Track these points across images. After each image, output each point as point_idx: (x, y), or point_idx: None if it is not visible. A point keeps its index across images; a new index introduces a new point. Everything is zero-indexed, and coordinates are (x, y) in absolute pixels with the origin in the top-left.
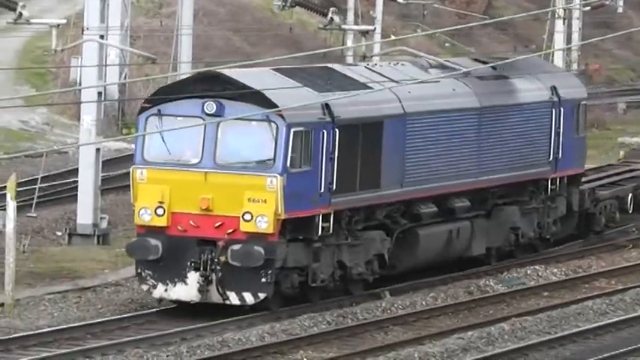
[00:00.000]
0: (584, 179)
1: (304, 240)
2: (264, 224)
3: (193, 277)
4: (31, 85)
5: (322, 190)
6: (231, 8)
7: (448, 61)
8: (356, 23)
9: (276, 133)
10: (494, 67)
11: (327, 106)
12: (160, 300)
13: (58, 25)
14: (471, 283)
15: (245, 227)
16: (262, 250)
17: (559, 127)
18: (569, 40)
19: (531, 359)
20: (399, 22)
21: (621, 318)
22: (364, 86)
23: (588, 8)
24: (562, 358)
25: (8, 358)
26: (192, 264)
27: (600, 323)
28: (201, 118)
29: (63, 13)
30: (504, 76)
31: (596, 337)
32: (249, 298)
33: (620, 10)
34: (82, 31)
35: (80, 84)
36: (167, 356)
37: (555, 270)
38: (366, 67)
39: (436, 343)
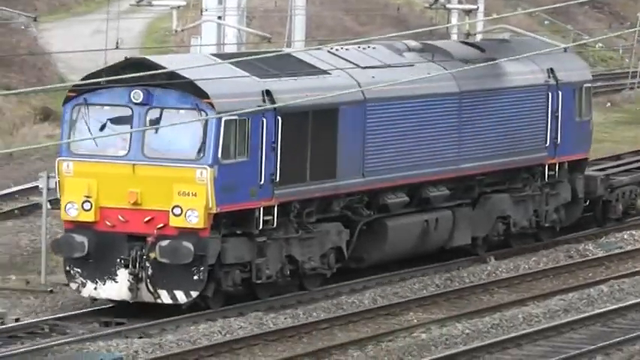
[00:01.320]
0: (603, 165)
1: (245, 234)
2: (195, 219)
3: (123, 275)
4: None
5: (262, 181)
6: None
7: (433, 44)
8: (460, 2)
9: (206, 123)
10: (482, 50)
11: (267, 93)
12: (94, 299)
13: (179, 7)
14: (571, 247)
15: (175, 222)
16: (192, 246)
17: (557, 111)
18: None
19: (629, 319)
20: (500, 1)
21: None
22: (318, 71)
23: None
24: None
25: None
26: (122, 261)
27: None
28: (128, 107)
29: None
30: (492, 59)
31: None
32: (180, 296)
33: None
34: (201, 12)
35: None
36: (285, 318)
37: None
38: (328, 51)
39: (539, 305)
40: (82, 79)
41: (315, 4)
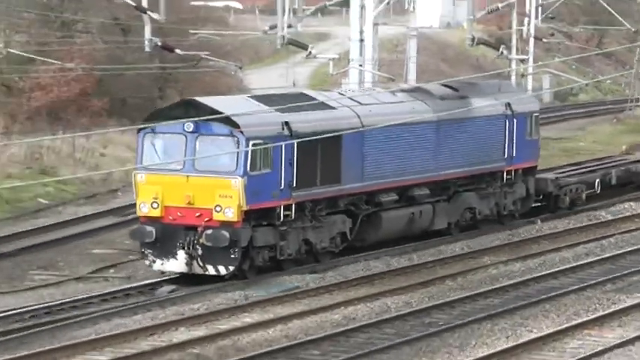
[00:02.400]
0: (564, 169)
1: (270, 225)
2: (231, 214)
3: (181, 255)
4: None
5: (282, 186)
6: (440, 45)
7: (422, 88)
8: (516, 54)
9: (238, 145)
10: (456, 90)
11: (286, 123)
12: (162, 272)
13: (334, 58)
14: (590, 214)
15: (217, 217)
16: (228, 234)
17: (512, 133)
18: None
19: (629, 260)
20: (543, 53)
21: None
22: (327, 107)
23: None
24: None
25: None
26: (180, 245)
27: None
28: (183, 134)
29: (336, 51)
30: (465, 97)
31: None
32: (222, 269)
33: None
34: (349, 62)
35: None
36: (404, 260)
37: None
38: (339, 92)
39: (569, 251)
40: (152, 114)
41: (422, 55)
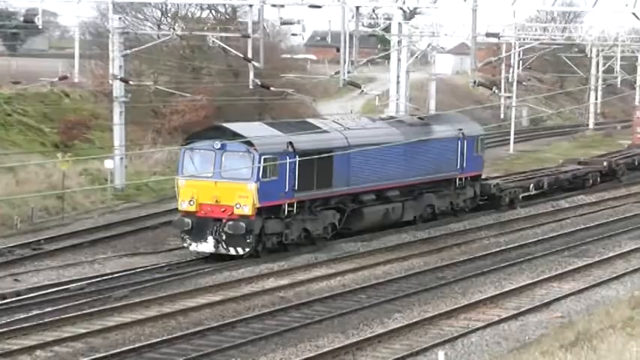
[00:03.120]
0: (511, 176)
1: (278, 217)
2: (247, 210)
3: (210, 240)
4: None
5: (287, 189)
6: (451, 86)
7: (395, 117)
8: (504, 92)
9: (252, 159)
10: (422, 119)
11: (291, 143)
12: (197, 252)
13: (379, 95)
14: (554, 203)
15: (236, 212)
16: (244, 225)
17: (463, 150)
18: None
19: (580, 235)
20: (522, 92)
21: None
22: (322, 131)
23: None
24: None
25: None
26: (209, 232)
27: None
28: (212, 151)
29: (380, 89)
30: (428, 124)
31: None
32: (240, 251)
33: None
34: (388, 97)
35: None
36: (422, 234)
37: (588, 198)
38: (333, 120)
39: (539, 228)
40: (190, 135)
41: (439, 92)
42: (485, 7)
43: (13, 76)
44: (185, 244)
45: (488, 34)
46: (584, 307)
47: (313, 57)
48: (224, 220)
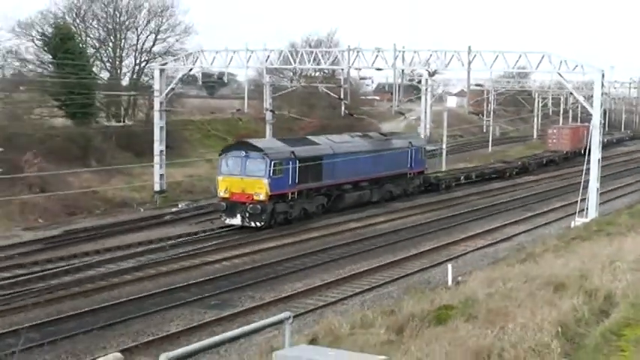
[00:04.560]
0: (454, 170)
1: (284, 201)
2: (262, 197)
3: (239, 216)
4: None
5: (290, 182)
6: (456, 115)
7: (366, 134)
8: (486, 117)
9: (266, 163)
10: (385, 135)
11: (293, 152)
12: (230, 225)
13: (415, 118)
14: (515, 181)
15: (256, 198)
16: (260, 207)
17: (412, 155)
18: None
19: (527, 198)
20: (496, 117)
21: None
22: (315, 143)
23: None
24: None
25: None
26: (238, 211)
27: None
28: (240, 157)
29: (416, 116)
30: (389, 139)
31: (531, 187)
32: (258, 224)
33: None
34: (420, 120)
35: None
36: (414, 202)
37: (524, 179)
38: (325, 137)
39: (505, 195)
40: (225, 146)
41: (449, 118)
42: (474, 69)
43: (211, 109)
44: (222, 219)
45: (476, 85)
46: (530, 239)
47: (377, 98)
48: (247, 204)
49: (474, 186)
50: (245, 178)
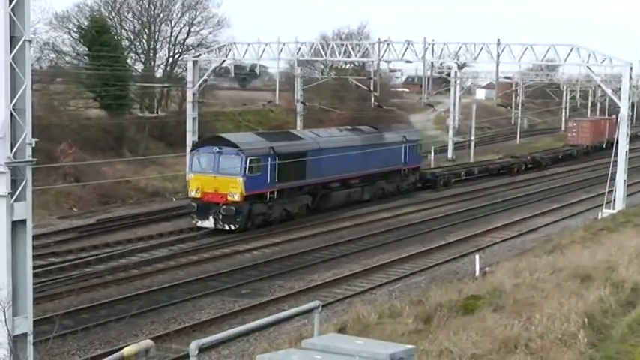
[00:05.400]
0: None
1: (262, 202)
2: (236, 197)
3: (211, 218)
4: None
5: (269, 181)
6: (485, 106)
7: (357, 127)
8: (514, 109)
9: (241, 160)
10: (377, 129)
11: (272, 148)
12: (199, 228)
13: (444, 110)
14: (535, 175)
15: (229, 198)
16: (234, 208)
17: (407, 150)
18: None
19: (551, 191)
20: (524, 109)
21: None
22: (299, 138)
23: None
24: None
25: None
26: (211, 213)
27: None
28: (212, 153)
29: (445, 107)
30: (381, 132)
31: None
32: (232, 227)
33: None
34: (449, 112)
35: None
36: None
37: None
38: (309, 130)
39: (534, 186)
40: (197, 142)
41: (477, 110)
42: (503, 62)
43: (243, 100)
44: (193, 221)
45: (505, 77)
46: (557, 230)
47: (407, 90)
48: (220, 205)
49: (497, 178)
50: (218, 177)
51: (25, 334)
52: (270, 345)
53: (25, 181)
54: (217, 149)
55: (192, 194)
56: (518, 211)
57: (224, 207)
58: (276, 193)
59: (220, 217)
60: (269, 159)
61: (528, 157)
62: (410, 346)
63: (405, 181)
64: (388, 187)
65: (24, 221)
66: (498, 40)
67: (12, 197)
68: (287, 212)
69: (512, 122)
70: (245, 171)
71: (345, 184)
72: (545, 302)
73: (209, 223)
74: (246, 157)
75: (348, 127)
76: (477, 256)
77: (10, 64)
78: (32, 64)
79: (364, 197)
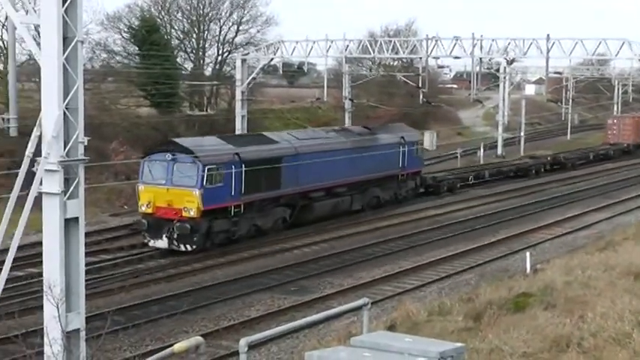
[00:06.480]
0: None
1: (225, 217)
2: (192, 212)
3: (165, 237)
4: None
5: (233, 193)
6: (534, 102)
7: (346, 128)
8: (564, 104)
9: (197, 169)
10: (369, 129)
11: (237, 154)
12: (155, 248)
13: (493, 106)
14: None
15: (185, 214)
16: (189, 226)
17: (405, 152)
18: None
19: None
20: (575, 104)
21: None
22: (272, 141)
23: None
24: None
25: None
26: (164, 230)
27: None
28: (165, 161)
29: (493, 104)
30: (374, 133)
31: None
32: (188, 247)
33: None
34: (498, 108)
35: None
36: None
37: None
38: (287, 133)
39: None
40: (149, 149)
41: (527, 105)
42: (553, 57)
43: (291, 98)
44: (145, 240)
45: (555, 72)
46: (610, 227)
47: (455, 86)
48: (175, 221)
49: (553, 174)
50: (172, 189)
51: (77, 330)
52: (319, 342)
53: (77, 179)
54: (171, 156)
55: (143, 209)
56: (569, 207)
57: (178, 224)
58: (242, 206)
59: (175, 235)
60: (233, 167)
61: (549, 158)
62: (460, 344)
63: (403, 187)
64: (384, 194)
65: (76, 219)
66: (548, 34)
67: (65, 195)
68: (258, 228)
69: (563, 118)
70: (202, 181)
71: (330, 192)
72: (597, 300)
73: (162, 242)
74: (204, 166)
75: (336, 128)
76: (528, 254)
77: (63, 64)
78: (84, 64)
79: (354, 207)
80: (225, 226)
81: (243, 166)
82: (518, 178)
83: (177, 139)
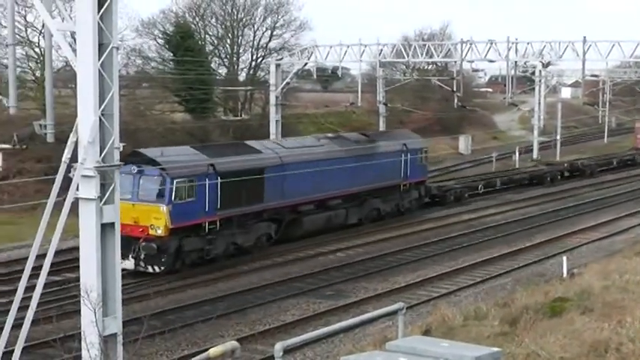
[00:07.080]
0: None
1: (198, 235)
2: (160, 231)
3: (131, 257)
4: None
5: (208, 209)
6: (570, 105)
7: (341, 135)
8: (601, 107)
9: (165, 183)
10: (367, 136)
11: (212, 165)
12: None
13: (529, 110)
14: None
15: (151, 232)
16: (156, 245)
17: (407, 161)
18: None
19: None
20: (611, 107)
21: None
22: (255, 151)
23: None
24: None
25: None
26: (130, 250)
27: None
28: (131, 174)
29: (529, 107)
30: (374, 140)
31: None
32: (156, 269)
33: None
34: (534, 112)
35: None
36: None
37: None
38: (272, 141)
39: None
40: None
41: (563, 109)
42: (589, 60)
43: (325, 102)
44: None
45: (591, 75)
46: None
47: (490, 90)
48: (141, 240)
49: (587, 177)
50: (138, 205)
51: (114, 335)
52: (355, 347)
53: (113, 185)
54: (136, 169)
55: None
56: (605, 212)
57: (144, 244)
58: (219, 222)
59: (142, 256)
60: (207, 179)
61: (566, 165)
62: (496, 349)
63: (405, 198)
64: (384, 206)
65: (112, 224)
66: (584, 37)
67: (101, 200)
68: (238, 246)
69: (600, 121)
70: (171, 196)
71: (322, 205)
72: (636, 305)
73: (129, 263)
74: (172, 179)
75: (330, 135)
76: (565, 258)
77: (99, 70)
78: (119, 70)
79: (350, 221)
80: (197, 244)
81: (219, 178)
82: (532, 186)
83: (143, 150)
